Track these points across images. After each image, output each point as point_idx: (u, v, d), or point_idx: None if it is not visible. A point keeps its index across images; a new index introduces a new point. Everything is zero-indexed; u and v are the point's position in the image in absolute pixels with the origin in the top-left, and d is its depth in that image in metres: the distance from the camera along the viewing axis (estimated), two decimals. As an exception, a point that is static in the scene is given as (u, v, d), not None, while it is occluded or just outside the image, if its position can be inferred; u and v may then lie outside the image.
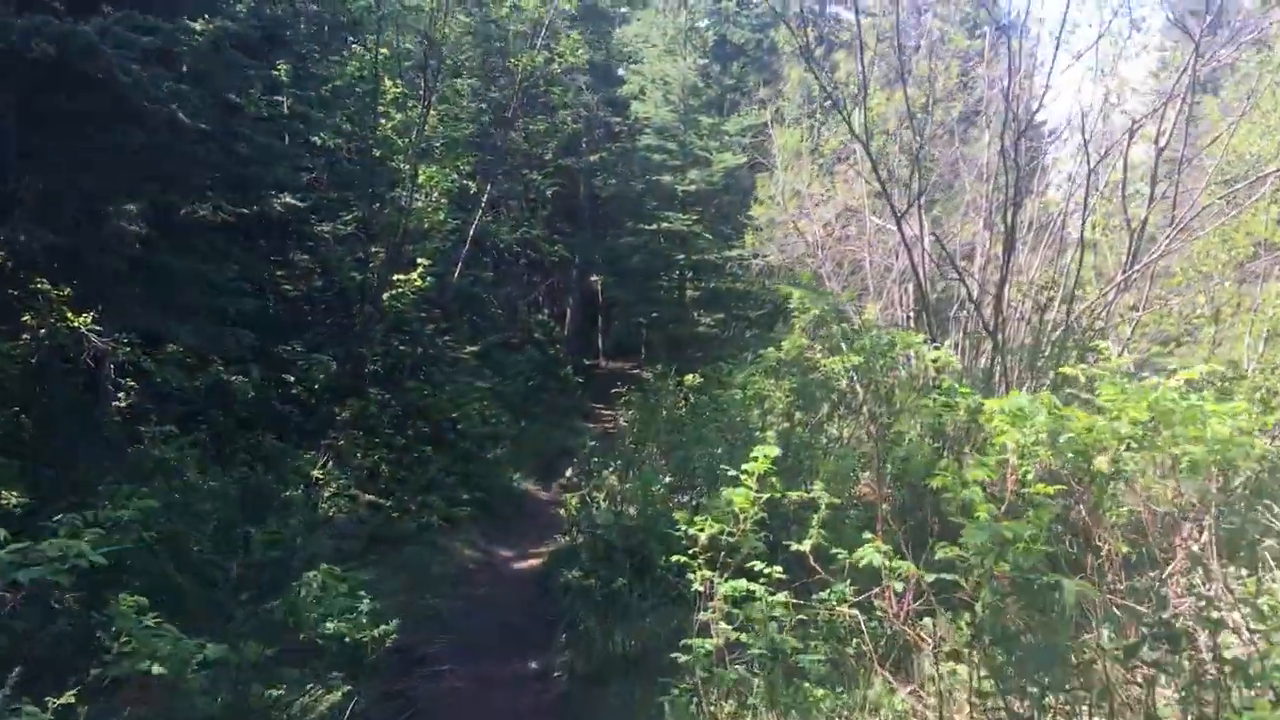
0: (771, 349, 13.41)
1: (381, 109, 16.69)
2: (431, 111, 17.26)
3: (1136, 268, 10.80)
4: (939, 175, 14.45)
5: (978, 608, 3.72)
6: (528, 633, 10.10)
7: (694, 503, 12.44)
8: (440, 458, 16.34)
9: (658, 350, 31.12)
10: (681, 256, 22.97)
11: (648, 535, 9.21)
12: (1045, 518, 4.30)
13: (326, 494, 14.32)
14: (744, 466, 5.68)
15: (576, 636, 8.72)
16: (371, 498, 14.60)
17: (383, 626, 6.81)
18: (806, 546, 5.90)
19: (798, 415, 12.64)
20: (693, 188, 23.40)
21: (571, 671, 8.34)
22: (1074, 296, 10.58)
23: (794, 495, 5.75)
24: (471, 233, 17.99)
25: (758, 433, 13.09)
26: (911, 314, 14.05)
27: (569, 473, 16.38)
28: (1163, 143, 11.19)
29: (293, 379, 15.81)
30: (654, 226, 23.23)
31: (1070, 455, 4.38)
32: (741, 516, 5.72)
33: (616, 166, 26.03)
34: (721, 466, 10.10)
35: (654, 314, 26.31)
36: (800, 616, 5.74)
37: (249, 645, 5.86)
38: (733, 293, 24.32)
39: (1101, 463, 4.45)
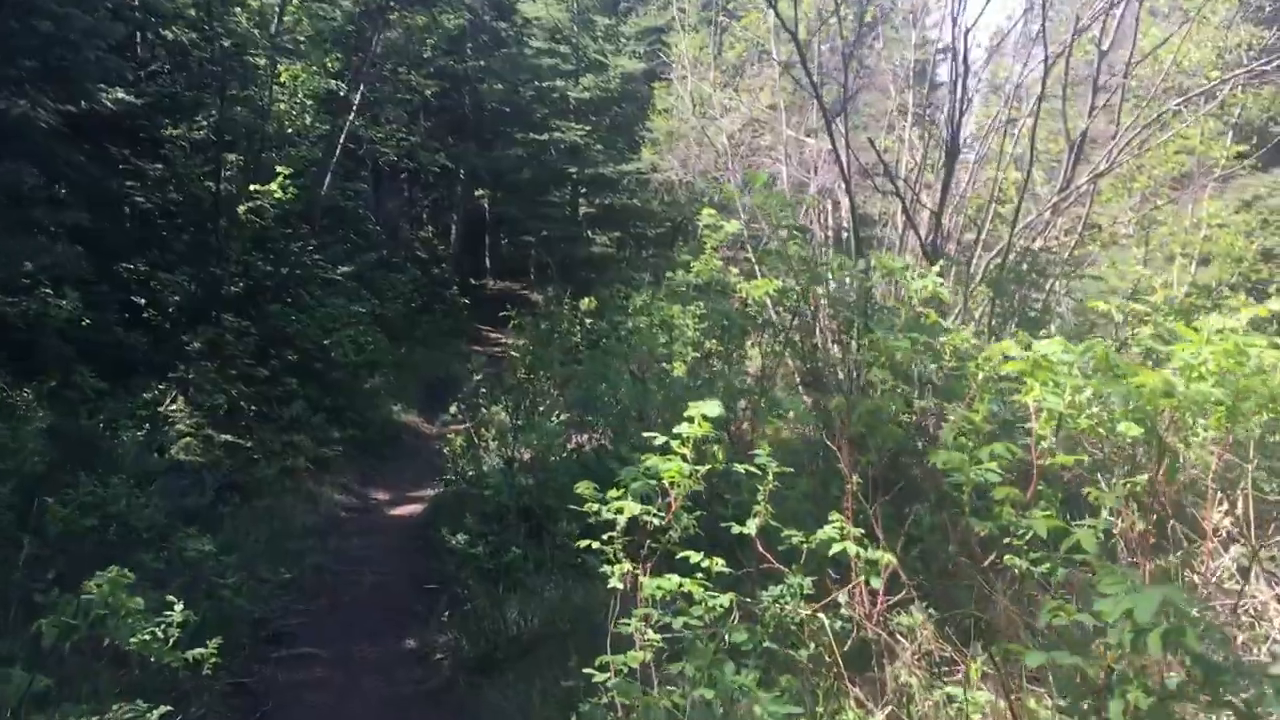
0: (680, 271, 12.12)
1: (235, -6, 14.64)
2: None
3: (1079, 184, 9.84)
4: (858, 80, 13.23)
5: (1114, 707, 2.50)
6: (404, 601, 8.80)
7: (594, 447, 11.29)
8: (308, 390, 14.73)
9: (549, 271, 29.65)
10: (574, 170, 21.38)
11: (545, 491, 7.90)
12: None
13: (174, 434, 12.68)
14: (678, 429, 4.41)
15: (462, 612, 7.43)
16: (229, 438, 12.99)
17: (200, 650, 5.37)
18: (752, 528, 4.71)
19: (710, 344, 11.45)
20: (587, 95, 21.76)
21: (456, 654, 7.08)
22: (1017, 216, 9.54)
23: (740, 468, 4.53)
24: (342, 139, 16.10)
25: (665, 364, 11.92)
26: (831, 233, 12.92)
27: (453, 409, 14.92)
28: (1105, 45, 10.20)
29: (143, 301, 13.97)
30: (544, 137, 21.53)
31: (1137, 426, 3.19)
32: (673, 493, 4.46)
33: (503, 72, 24.11)
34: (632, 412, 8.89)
35: (545, 232, 24.72)
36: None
37: (15, 673, 4.41)
38: (629, 210, 22.87)
39: (1175, 437, 3.28)
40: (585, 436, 11.93)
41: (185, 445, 12.71)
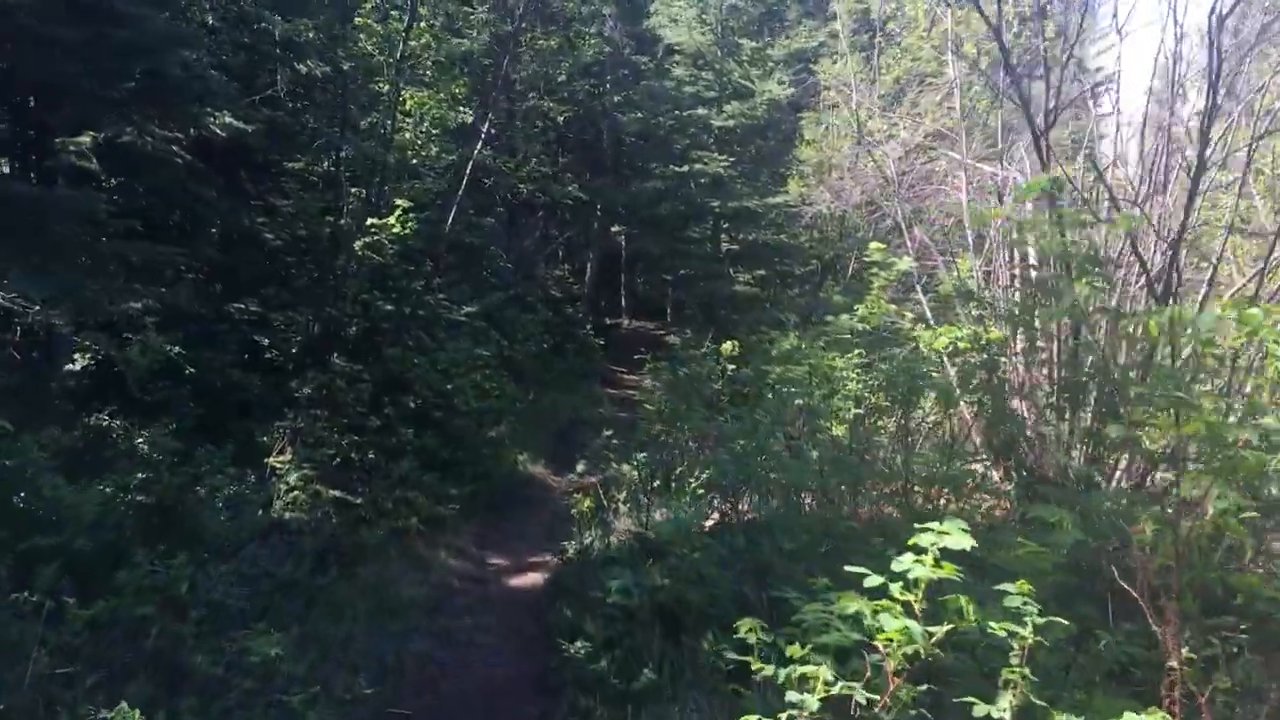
0: (843, 316, 10.57)
1: (359, 20, 13.80)
2: (420, 23, 14.35)
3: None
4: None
5: None
6: (518, 705, 7.39)
7: (742, 523, 9.77)
8: (425, 441, 13.62)
9: (687, 311, 28.30)
10: (716, 204, 20.00)
11: (683, 584, 6.42)
12: None
13: (284, 488, 11.72)
14: (900, 562, 2.87)
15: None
16: (337, 494, 11.93)
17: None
18: (1005, 711, 3.14)
19: (874, 399, 9.84)
20: (731, 123, 20.41)
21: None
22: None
23: (998, 628, 2.96)
24: (469, 170, 15.10)
25: (821, 421, 10.36)
26: (1018, 272, 11.14)
27: (580, 467, 13.60)
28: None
29: (266, 342, 13.19)
30: (685, 169, 20.24)
31: None
32: (889, 661, 2.90)
33: (641, 102, 22.96)
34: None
35: (683, 270, 23.36)
36: None
37: None
38: (775, 246, 21.34)
39: None
40: (729, 505, 10.41)
41: (292, 500, 11.74)
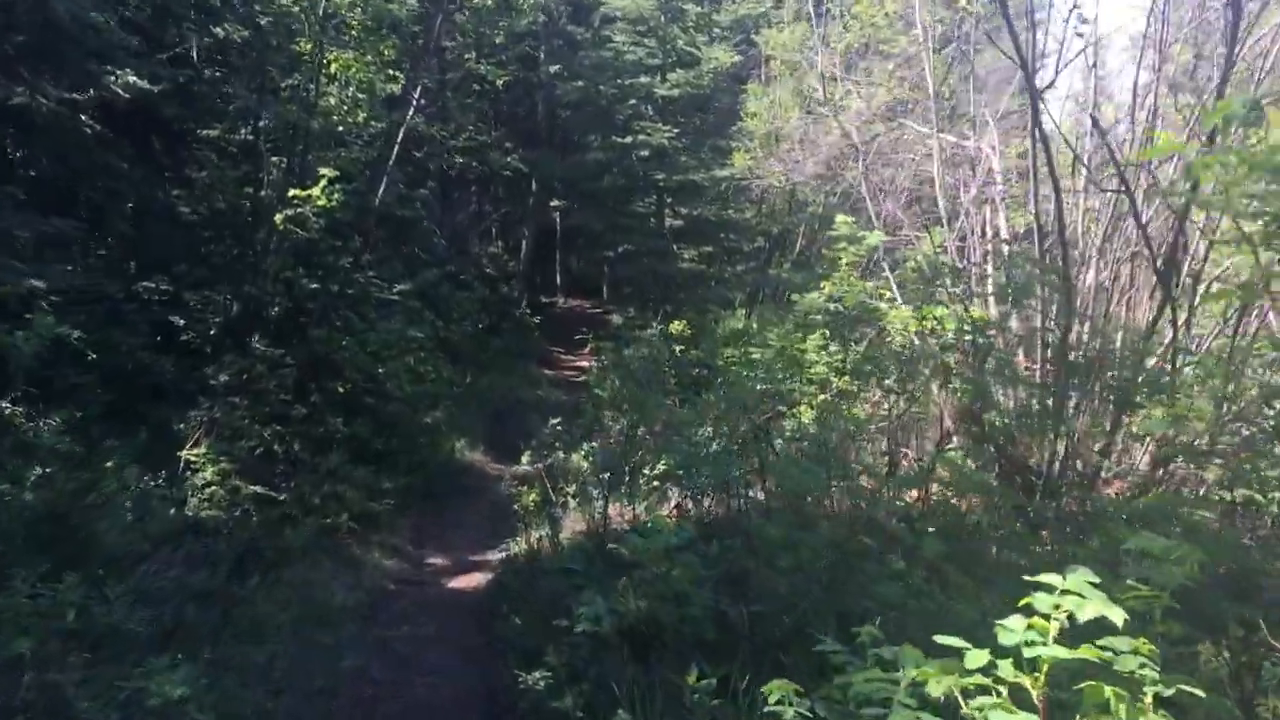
0: (809, 294, 9.86)
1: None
2: (345, -23, 13.31)
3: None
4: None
5: None
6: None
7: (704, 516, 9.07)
8: (356, 429, 12.70)
9: (626, 289, 27.50)
10: (660, 177, 19.18)
11: (656, 604, 5.66)
12: None
13: (200, 483, 10.79)
14: (1007, 629, 2.11)
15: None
16: (259, 489, 11.00)
17: None
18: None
19: (840, 382, 9.16)
20: (675, 93, 19.57)
21: None
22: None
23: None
24: (400, 137, 14.09)
25: (783, 408, 9.70)
26: (990, 249, 10.52)
27: (525, 459, 12.80)
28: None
29: (182, 322, 12.15)
30: (628, 140, 19.37)
31: None
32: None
33: (581, 70, 22.00)
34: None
35: (625, 246, 22.52)
36: None
37: None
38: (721, 222, 20.59)
39: None
40: (686, 498, 9.71)
41: (208, 497, 10.80)
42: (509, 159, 19.38)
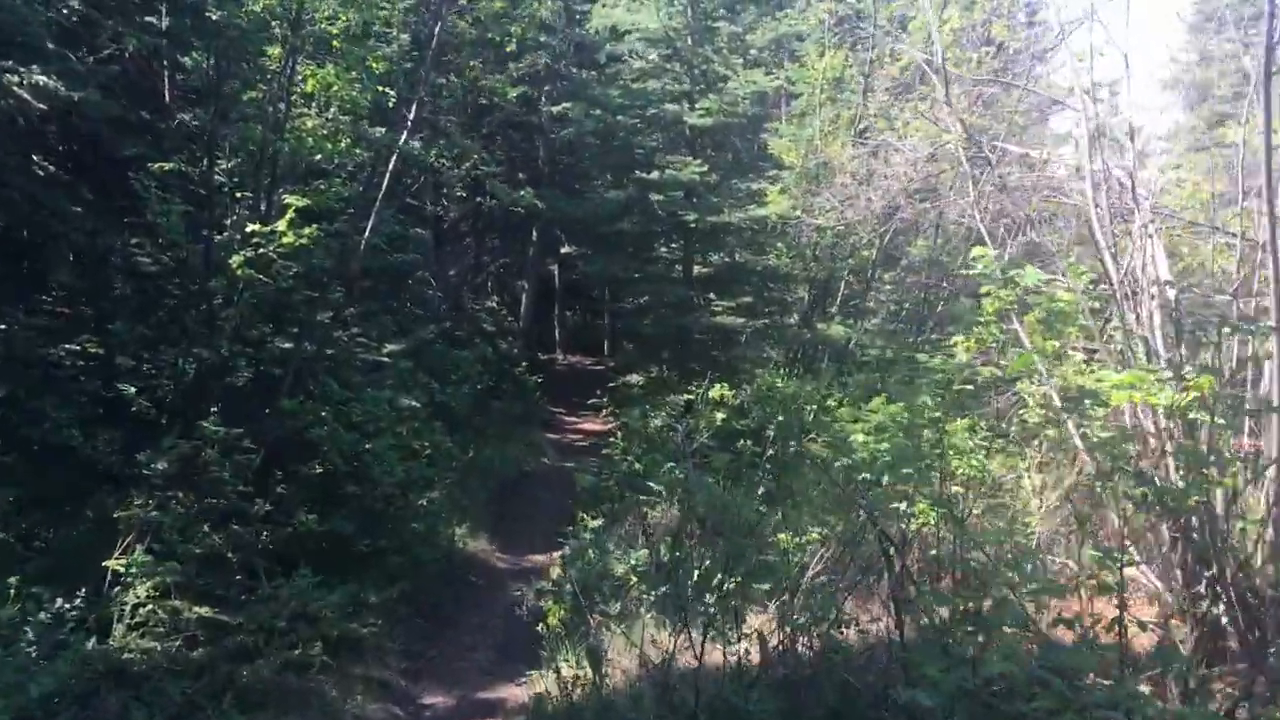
0: (938, 358, 7.52)
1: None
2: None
3: None
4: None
5: None
6: None
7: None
8: (333, 524, 10.22)
9: (628, 345, 25.21)
10: (692, 217, 16.83)
11: None
12: None
13: (130, 604, 8.38)
14: None
15: None
16: (204, 611, 8.54)
17: None
18: None
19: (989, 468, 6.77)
20: (707, 121, 17.30)
21: None
22: None
23: None
24: (391, 166, 11.76)
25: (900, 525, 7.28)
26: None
27: (555, 566, 10.36)
28: None
29: (133, 390, 9.86)
30: (652, 175, 17.07)
31: None
32: None
33: (595, 97, 19.77)
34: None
35: (644, 298, 20.13)
36: None
37: None
38: (758, 270, 18.21)
39: None
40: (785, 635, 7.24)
41: (141, 622, 8.38)
42: (521, 193, 16.99)
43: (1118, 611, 5.40)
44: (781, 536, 7.89)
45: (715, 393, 13.84)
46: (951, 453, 6.59)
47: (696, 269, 18.70)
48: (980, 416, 8.04)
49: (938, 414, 6.69)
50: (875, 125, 15.82)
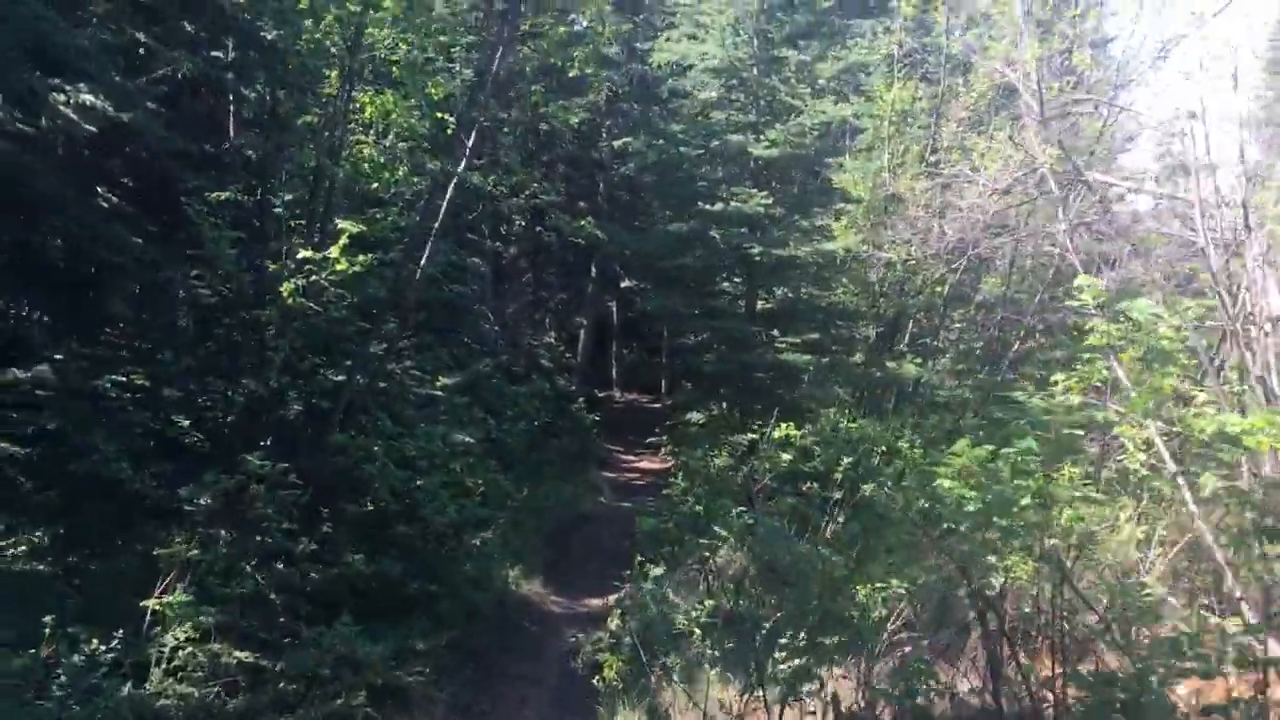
0: (1036, 398, 6.94)
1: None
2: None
3: None
4: None
5: None
6: None
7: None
8: (382, 564, 9.80)
9: (685, 382, 24.68)
10: (757, 251, 16.30)
11: None
12: None
13: (170, 646, 8.01)
14: None
15: None
16: (248, 656, 8.12)
17: None
18: None
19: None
20: (774, 152, 16.82)
21: None
22: None
23: None
24: (449, 195, 11.42)
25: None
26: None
27: (612, 615, 9.77)
28: None
29: (188, 423, 9.56)
30: (716, 208, 16.60)
31: None
32: None
33: (653, 126, 19.40)
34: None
35: (702, 335, 19.59)
36: None
37: None
38: (823, 306, 17.62)
39: None
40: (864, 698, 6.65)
41: (180, 666, 7.97)
42: (582, 224, 16.60)
43: (1254, 693, 4.77)
44: (860, 590, 7.28)
45: (780, 432, 13.30)
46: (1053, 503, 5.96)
47: (759, 304, 18.16)
48: (1075, 463, 7.42)
49: (1039, 459, 6.09)
50: (948, 157, 15.26)
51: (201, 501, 8.55)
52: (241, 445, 9.23)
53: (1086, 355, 6.64)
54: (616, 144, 23.54)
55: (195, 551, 8.40)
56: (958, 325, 17.78)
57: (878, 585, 7.44)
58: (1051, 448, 6.90)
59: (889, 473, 10.96)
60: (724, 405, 18.55)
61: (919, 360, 15.26)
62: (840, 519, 11.91)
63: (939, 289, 15.27)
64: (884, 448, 12.76)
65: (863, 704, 6.67)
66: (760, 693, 7.34)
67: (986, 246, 13.48)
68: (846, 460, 12.61)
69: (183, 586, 8.36)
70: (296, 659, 8.36)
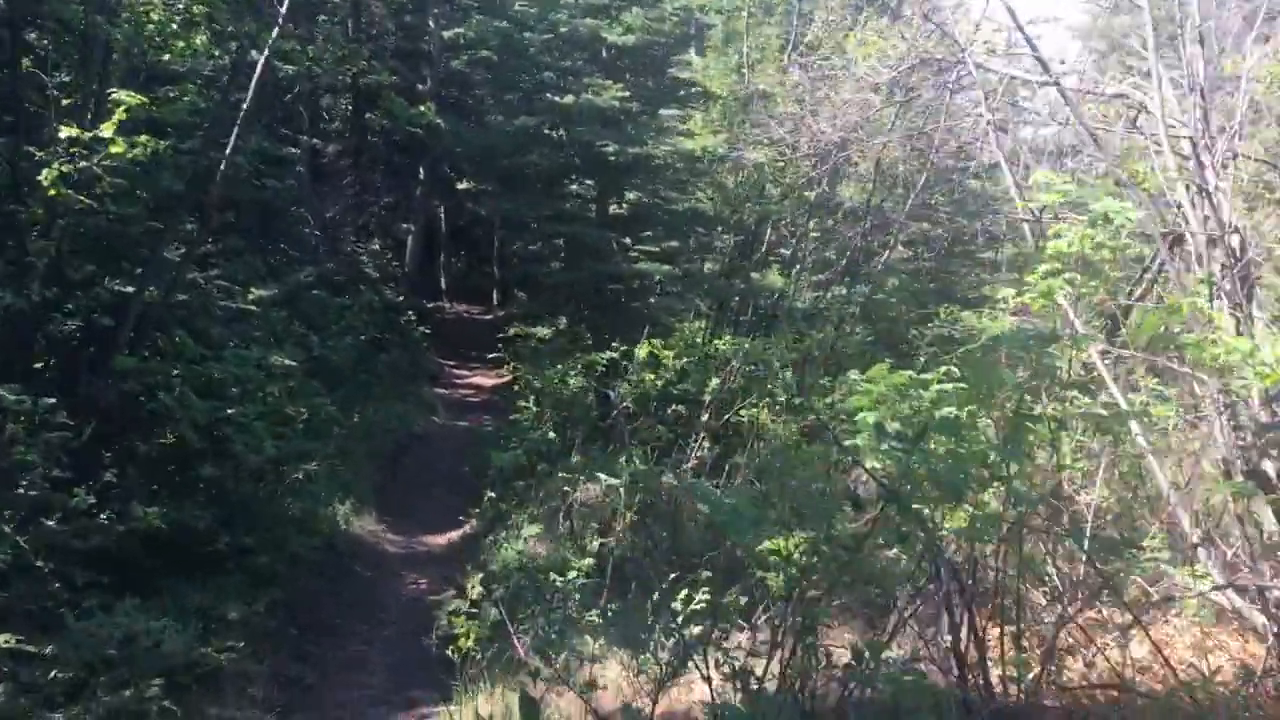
0: (999, 298, 5.88)
1: None
2: None
3: None
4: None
5: None
6: None
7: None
8: (185, 514, 8.12)
9: (517, 292, 23.34)
10: (612, 150, 14.74)
11: None
12: None
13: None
14: None
15: None
16: (5, 640, 6.46)
17: None
18: None
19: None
20: (630, 40, 15.22)
21: None
22: None
23: None
24: (260, 67, 9.49)
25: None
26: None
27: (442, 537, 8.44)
28: None
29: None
30: (567, 100, 14.90)
31: None
32: None
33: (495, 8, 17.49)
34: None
35: (551, 243, 18.04)
36: None
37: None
38: (681, 211, 16.25)
39: None
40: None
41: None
42: (422, 108, 14.59)
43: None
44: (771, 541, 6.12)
45: (645, 349, 12.09)
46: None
47: (612, 209, 16.74)
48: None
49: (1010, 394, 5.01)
50: (816, 52, 14.14)
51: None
52: (-3, 374, 7.37)
53: (1044, 266, 5.55)
54: (447, 34, 21.41)
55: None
56: (814, 234, 16.89)
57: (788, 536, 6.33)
58: (980, 376, 5.84)
59: (777, 394, 9.94)
60: (571, 319, 17.21)
61: (785, 271, 14.27)
62: (707, 446, 10.90)
63: (807, 194, 14.23)
64: (755, 364, 11.77)
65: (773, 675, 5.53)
66: (654, 666, 6.15)
67: (864, 145, 12.46)
68: (714, 381, 11.54)
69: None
70: (73, 639, 6.70)
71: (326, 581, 10.03)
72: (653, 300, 16.21)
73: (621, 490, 6.66)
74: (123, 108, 7.16)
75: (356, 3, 18.48)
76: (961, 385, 5.59)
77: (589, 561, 6.93)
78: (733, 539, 6.03)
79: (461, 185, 22.10)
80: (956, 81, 11.35)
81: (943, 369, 5.78)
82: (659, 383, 11.43)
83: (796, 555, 6.20)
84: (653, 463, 10.12)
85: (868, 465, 5.22)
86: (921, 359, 9.69)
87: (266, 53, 9.34)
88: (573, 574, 6.72)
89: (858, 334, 12.59)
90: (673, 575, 6.49)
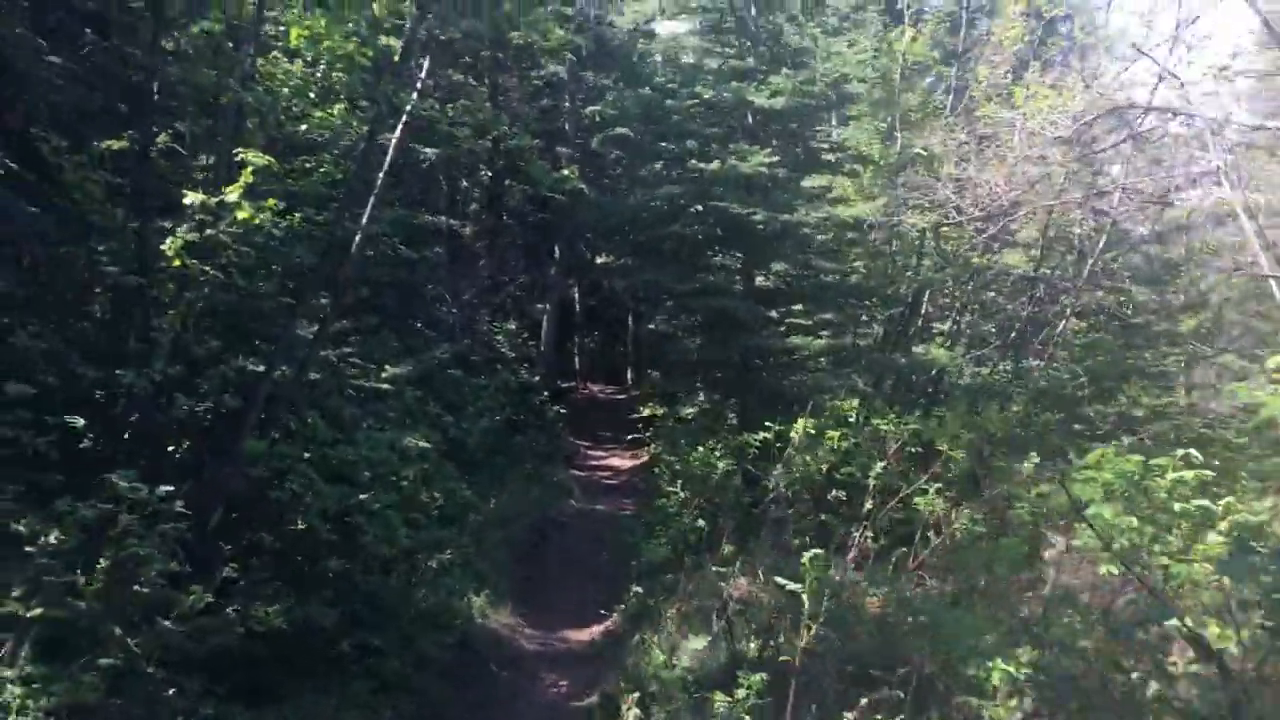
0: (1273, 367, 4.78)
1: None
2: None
3: None
4: None
5: None
6: None
7: None
8: (310, 610, 7.42)
9: (651, 373, 22.55)
10: (760, 218, 13.83)
11: None
12: None
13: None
14: None
15: None
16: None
17: None
18: None
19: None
20: (779, 103, 14.41)
21: None
22: None
23: None
24: (400, 129, 9.00)
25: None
26: None
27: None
28: None
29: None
30: (712, 166, 14.13)
31: None
32: None
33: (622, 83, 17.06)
34: None
35: (692, 318, 17.22)
36: None
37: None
38: (834, 284, 15.15)
39: None
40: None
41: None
42: (565, 172, 14.05)
43: None
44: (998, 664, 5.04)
45: (799, 429, 11.04)
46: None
47: (759, 280, 15.81)
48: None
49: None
50: (978, 108, 13.15)
51: (48, 539, 6.11)
52: (112, 457, 6.83)
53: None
54: (585, 110, 21.19)
55: (39, 610, 5.99)
56: (975, 306, 15.68)
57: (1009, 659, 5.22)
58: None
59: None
60: (713, 396, 16.28)
61: (948, 344, 13.12)
62: (869, 536, 9.80)
63: (973, 260, 13.10)
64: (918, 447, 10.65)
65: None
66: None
67: (1039, 204, 11.32)
68: (878, 465, 10.44)
69: (25, 655, 5.98)
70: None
71: (458, 684, 9.21)
72: (803, 376, 15.18)
73: (805, 597, 5.70)
74: (249, 169, 6.66)
75: (494, 85, 18.29)
76: (1205, 471, 4.73)
77: (759, 678, 5.91)
78: (948, 654, 4.96)
79: (599, 260, 21.61)
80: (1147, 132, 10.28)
81: (1179, 453, 4.86)
82: (823, 466, 10.41)
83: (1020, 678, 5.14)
84: (824, 560, 9.07)
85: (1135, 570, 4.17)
86: (1117, 442, 8.55)
87: (407, 112, 8.83)
88: (741, 692, 5.72)
89: (1038, 413, 11.36)
90: (863, 700, 5.44)
